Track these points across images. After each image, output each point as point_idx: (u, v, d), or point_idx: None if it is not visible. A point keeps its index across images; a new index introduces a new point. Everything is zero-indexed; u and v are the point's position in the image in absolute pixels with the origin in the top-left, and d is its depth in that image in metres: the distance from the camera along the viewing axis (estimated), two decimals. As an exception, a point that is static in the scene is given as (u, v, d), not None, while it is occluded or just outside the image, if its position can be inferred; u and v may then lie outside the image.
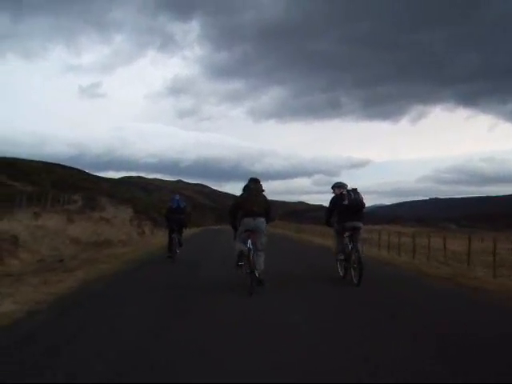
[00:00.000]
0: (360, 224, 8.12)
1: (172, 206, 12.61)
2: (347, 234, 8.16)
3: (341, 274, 8.45)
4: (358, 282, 7.52)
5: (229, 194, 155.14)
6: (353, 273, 7.85)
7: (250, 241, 7.16)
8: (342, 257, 8.31)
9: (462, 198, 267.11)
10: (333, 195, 8.47)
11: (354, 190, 8.22)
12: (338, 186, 8.42)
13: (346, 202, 8.02)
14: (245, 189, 7.61)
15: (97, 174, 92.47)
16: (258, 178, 7.79)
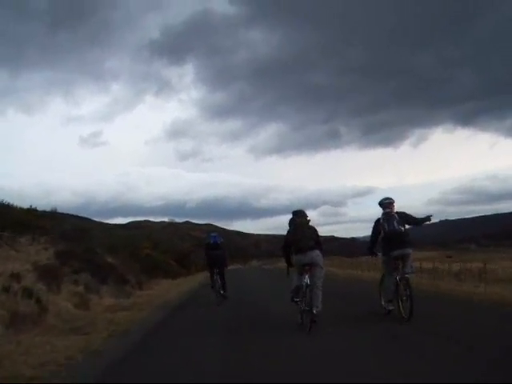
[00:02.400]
0: (409, 251, 7.39)
1: (209, 241, 12.52)
2: (396, 264, 7.38)
3: (388, 308, 7.56)
4: (409, 315, 6.77)
5: (238, 232, 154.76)
6: (401, 305, 7.08)
7: (307, 276, 6.87)
8: (391, 307, 7.47)
9: (471, 218, 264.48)
10: (379, 217, 7.66)
11: (398, 214, 7.51)
12: (388, 203, 7.63)
13: (383, 234, 7.44)
14: (290, 223, 7.34)
15: (106, 222, 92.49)
16: (301, 209, 7.58)
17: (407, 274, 7.20)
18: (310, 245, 6.99)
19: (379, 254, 7.84)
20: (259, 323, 7.93)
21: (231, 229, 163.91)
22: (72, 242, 16.86)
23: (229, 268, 13.89)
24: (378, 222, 7.63)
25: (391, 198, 7.71)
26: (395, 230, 7.28)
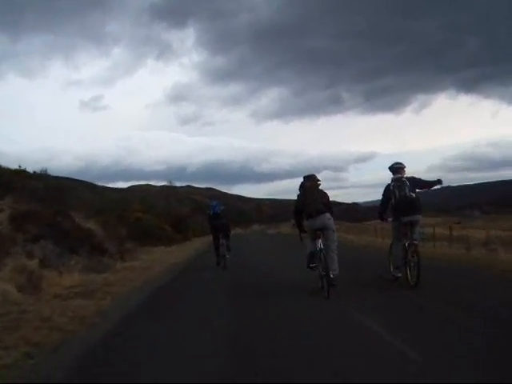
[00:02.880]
0: (418, 217, 7.42)
1: (210, 213, 12.85)
2: (405, 230, 7.34)
3: (398, 275, 7.54)
4: (416, 282, 6.77)
5: (239, 196, 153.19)
6: (408, 272, 7.08)
7: (319, 240, 6.82)
8: (399, 274, 7.46)
9: (474, 184, 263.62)
10: (389, 183, 7.60)
11: (409, 179, 7.44)
12: (398, 168, 7.59)
13: (393, 200, 7.35)
14: (300, 188, 7.27)
15: (107, 185, 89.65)
16: (312, 173, 7.40)
17: (415, 240, 7.21)
18: (319, 208, 6.90)
19: (389, 219, 7.86)
20: (279, 291, 7.61)
21: (232, 193, 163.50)
22: (42, 202, 14.19)
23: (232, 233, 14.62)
24: (388, 187, 7.54)
25: (402, 163, 7.62)
26: (407, 197, 7.24)
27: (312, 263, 7.00)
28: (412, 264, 6.97)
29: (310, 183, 7.23)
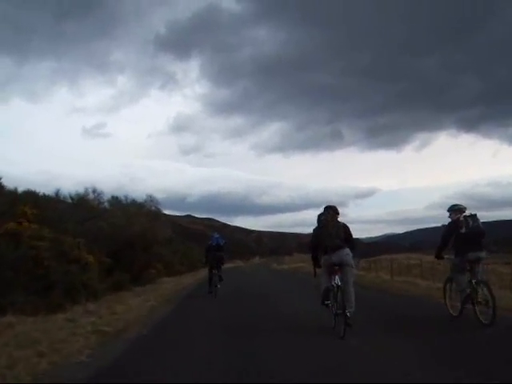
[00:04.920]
0: (484, 254, 7.26)
1: (212, 243, 13.54)
2: (467, 267, 7.17)
3: (454, 314, 7.43)
4: (492, 320, 6.37)
5: (240, 228, 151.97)
6: (478, 311, 6.75)
7: (336, 276, 6.53)
8: (465, 293, 7.11)
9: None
10: (449, 220, 7.53)
11: (473, 216, 7.27)
12: (455, 210, 7.48)
13: (464, 230, 7.14)
14: (318, 220, 6.92)
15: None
16: (333, 204, 7.06)
17: (483, 278, 7.16)
18: (336, 244, 6.64)
19: (446, 256, 7.73)
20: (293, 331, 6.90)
21: (233, 224, 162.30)
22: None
23: (228, 265, 16.58)
24: (454, 221, 7.38)
25: (461, 207, 7.49)
26: (480, 228, 7.19)
27: (327, 300, 6.68)
28: (484, 302, 6.66)
29: (325, 216, 6.89)
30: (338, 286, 6.44)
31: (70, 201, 20.53)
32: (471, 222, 7.16)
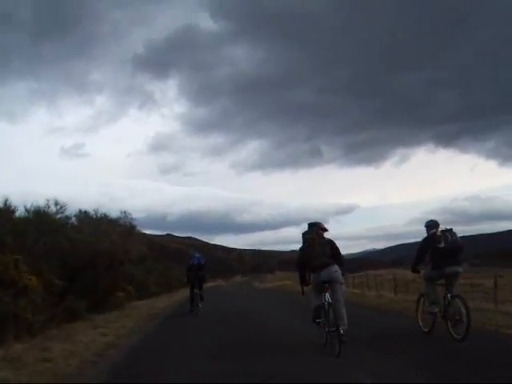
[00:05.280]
0: (461, 269, 7.24)
1: (193, 263, 13.71)
2: (441, 281, 7.27)
3: (424, 329, 7.41)
4: (465, 335, 6.29)
5: (220, 246, 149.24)
6: (451, 327, 6.69)
7: (327, 294, 6.43)
8: (436, 309, 7.10)
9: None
10: (425, 236, 7.52)
11: (450, 230, 7.26)
12: (431, 225, 7.46)
13: (442, 245, 7.10)
14: (303, 238, 6.78)
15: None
16: (317, 221, 6.95)
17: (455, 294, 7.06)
18: (324, 262, 6.49)
19: (422, 271, 7.66)
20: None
21: (213, 243, 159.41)
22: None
23: (209, 285, 16.21)
24: (431, 236, 7.33)
25: (436, 222, 7.50)
26: (457, 242, 7.20)
27: (318, 318, 6.54)
28: (457, 317, 6.62)
29: (312, 234, 6.76)
30: (328, 303, 6.34)
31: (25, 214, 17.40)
32: (450, 237, 7.17)
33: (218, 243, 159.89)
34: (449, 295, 7.00)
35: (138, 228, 25.63)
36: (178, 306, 17.73)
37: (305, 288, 6.89)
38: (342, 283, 6.67)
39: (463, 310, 6.55)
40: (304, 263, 6.74)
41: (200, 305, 13.44)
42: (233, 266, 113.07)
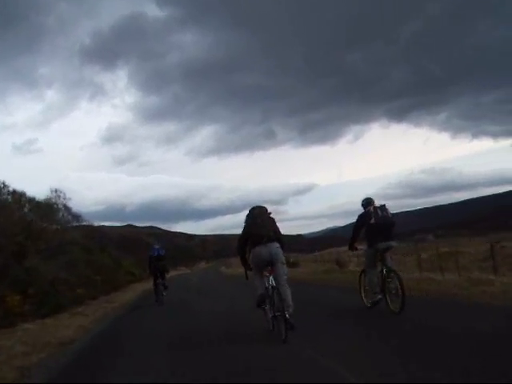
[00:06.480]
0: (394, 243, 7.39)
1: (153, 254, 13.93)
2: (379, 257, 7.30)
3: (367, 305, 7.54)
4: (401, 307, 6.52)
5: (181, 234, 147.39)
6: (389, 300, 6.91)
7: (270, 277, 6.19)
8: (379, 296, 7.12)
9: (416, 210, 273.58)
10: (361, 212, 7.55)
11: (382, 207, 7.36)
12: (365, 204, 7.59)
13: (373, 221, 7.20)
14: (248, 216, 6.60)
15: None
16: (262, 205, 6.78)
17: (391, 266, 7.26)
18: (270, 235, 6.34)
19: (359, 247, 7.86)
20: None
21: (175, 230, 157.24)
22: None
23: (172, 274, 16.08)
24: (365, 212, 7.44)
25: (370, 200, 7.66)
26: (388, 218, 7.27)
27: (263, 303, 6.32)
28: (393, 291, 6.82)
29: (258, 210, 6.60)
30: (272, 286, 6.16)
31: None
32: (380, 213, 7.25)
33: (179, 230, 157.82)
34: (384, 269, 7.17)
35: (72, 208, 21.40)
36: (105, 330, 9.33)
37: (249, 273, 6.71)
38: (283, 263, 6.47)
39: (398, 284, 6.70)
40: (247, 239, 6.52)
41: (164, 293, 13.73)
42: (196, 253, 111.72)
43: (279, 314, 5.89)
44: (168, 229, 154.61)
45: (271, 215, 6.72)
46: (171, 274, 47.58)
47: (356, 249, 7.86)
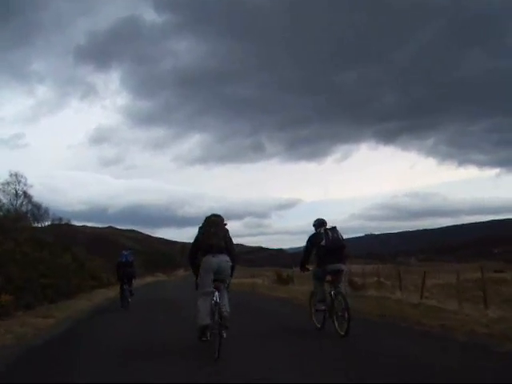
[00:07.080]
0: (343, 266, 7.41)
1: (121, 260, 13.93)
2: (328, 278, 7.42)
3: (318, 326, 7.66)
4: (346, 331, 6.56)
5: (162, 239, 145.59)
6: (336, 323, 6.97)
7: (216, 293, 6.01)
8: (323, 307, 7.35)
9: (399, 232, 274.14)
10: (312, 233, 7.68)
11: (333, 229, 7.46)
12: (316, 225, 7.72)
13: (324, 243, 7.28)
14: (206, 220, 6.42)
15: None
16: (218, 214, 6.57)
17: (342, 291, 7.21)
18: (220, 245, 6.21)
19: (310, 268, 7.85)
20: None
21: (155, 235, 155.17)
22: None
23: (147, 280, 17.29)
24: (316, 233, 7.54)
25: (322, 221, 7.74)
26: (339, 240, 7.31)
27: (204, 336, 5.94)
28: (340, 314, 6.85)
29: (213, 218, 6.45)
30: (216, 302, 5.94)
31: None
32: (331, 235, 7.29)
33: (160, 236, 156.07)
34: (332, 292, 7.19)
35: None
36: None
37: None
38: (228, 283, 6.29)
39: (344, 307, 6.73)
40: (199, 247, 6.33)
41: (130, 300, 13.84)
42: (176, 260, 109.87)
43: (216, 330, 5.77)
44: (149, 233, 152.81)
45: (226, 226, 6.56)
46: (146, 279, 45.64)
47: (308, 269, 7.92)
